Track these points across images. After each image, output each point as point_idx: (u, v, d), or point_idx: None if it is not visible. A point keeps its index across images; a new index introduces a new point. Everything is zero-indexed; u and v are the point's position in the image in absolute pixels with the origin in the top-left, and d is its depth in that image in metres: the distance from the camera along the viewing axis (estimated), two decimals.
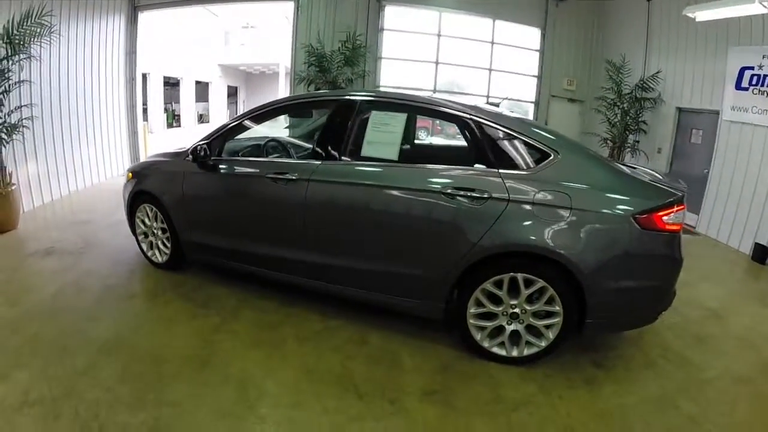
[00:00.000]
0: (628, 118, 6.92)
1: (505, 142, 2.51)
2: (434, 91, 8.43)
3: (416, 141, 3.22)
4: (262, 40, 19.08)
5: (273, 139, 3.63)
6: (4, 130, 4.44)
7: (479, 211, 2.38)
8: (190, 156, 3.19)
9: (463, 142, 2.71)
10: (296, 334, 2.73)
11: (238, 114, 3.30)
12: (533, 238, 2.31)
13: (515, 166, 2.45)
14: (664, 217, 2.30)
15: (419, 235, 2.53)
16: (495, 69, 8.27)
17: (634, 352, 2.80)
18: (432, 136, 6.85)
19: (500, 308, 2.47)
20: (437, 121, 5.59)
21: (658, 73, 6.56)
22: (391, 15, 7.76)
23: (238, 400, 2.11)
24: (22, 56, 4.48)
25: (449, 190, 2.43)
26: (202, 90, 19.15)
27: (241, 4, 7.87)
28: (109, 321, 2.85)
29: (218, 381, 2.25)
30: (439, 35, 7.91)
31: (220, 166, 3.14)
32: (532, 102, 8.55)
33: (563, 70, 8.26)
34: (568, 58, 8.21)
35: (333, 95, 3.46)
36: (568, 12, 8.05)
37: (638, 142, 7.06)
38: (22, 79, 4.70)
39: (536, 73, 8.36)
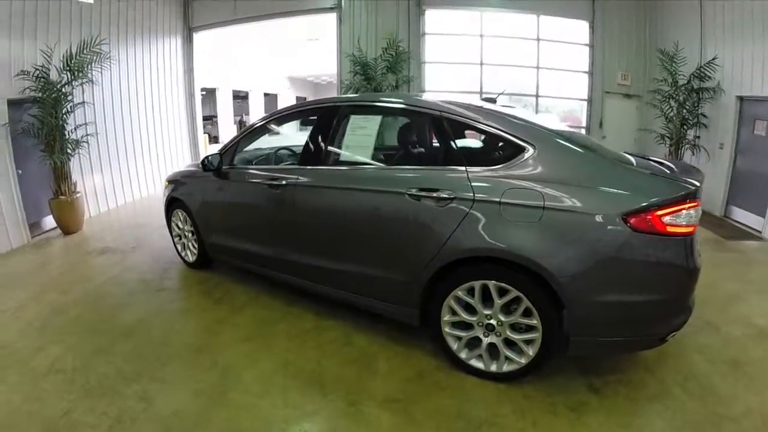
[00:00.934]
0: (684, 111, 6.38)
1: (475, 138, 2.45)
2: (480, 93, 8.42)
3: (418, 142, 3.10)
4: (327, 51, 20.22)
5: (283, 148, 3.91)
6: (69, 145, 5.25)
7: (444, 212, 2.27)
8: (201, 166, 3.57)
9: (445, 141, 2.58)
10: (288, 331, 2.94)
11: (245, 127, 3.66)
12: (498, 241, 2.14)
13: (484, 163, 2.32)
14: (665, 218, 1.96)
15: (390, 238, 2.51)
16: (542, 67, 8.04)
17: (646, 378, 2.42)
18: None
19: (475, 318, 2.34)
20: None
21: (714, 59, 5.99)
22: (432, 19, 7.82)
23: (216, 385, 2.36)
24: (81, 81, 5.28)
25: (413, 191, 2.36)
26: (270, 101, 20.66)
27: (295, 18, 8.49)
28: (136, 309, 3.30)
29: (206, 366, 2.53)
30: (481, 36, 7.88)
31: (229, 175, 3.46)
32: (584, 100, 8.13)
33: (616, 64, 7.78)
34: (620, 50, 7.72)
35: (312, 104, 3.51)
36: (618, 2, 7.59)
37: (698, 137, 6.46)
38: (83, 100, 5.55)
39: (587, 69, 7.97)
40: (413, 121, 2.95)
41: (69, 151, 5.25)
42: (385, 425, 2.08)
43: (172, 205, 4.14)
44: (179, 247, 4.25)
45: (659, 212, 1.96)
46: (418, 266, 2.39)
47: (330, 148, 2.87)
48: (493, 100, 2.99)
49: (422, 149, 2.89)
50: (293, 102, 22.44)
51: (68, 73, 5.11)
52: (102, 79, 6.04)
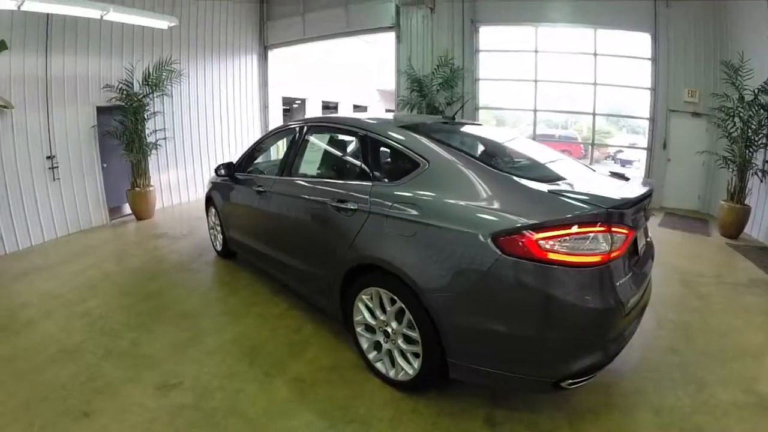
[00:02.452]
0: (749, 131, 5.83)
1: (381, 154, 2.68)
2: (534, 110, 8.52)
3: (345, 157, 3.37)
4: None
5: (278, 160, 4.61)
6: (146, 146, 6.57)
7: (350, 222, 2.55)
8: (215, 172, 4.39)
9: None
10: (260, 313, 3.54)
11: (256, 141, 4.49)
12: (381, 252, 2.31)
13: (389, 178, 2.53)
14: (545, 242, 1.79)
15: (319, 241, 2.87)
16: (600, 83, 7.90)
17: (560, 426, 2.22)
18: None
19: (375, 323, 2.53)
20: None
21: None
22: (487, 35, 8.05)
23: (185, 341, 3.05)
24: (158, 94, 6.62)
25: (334, 203, 2.70)
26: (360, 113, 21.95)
27: (356, 37, 9.42)
28: (161, 281, 4.22)
29: (186, 328, 3.26)
30: (536, 51, 8.00)
31: (238, 180, 4.18)
32: (647, 119, 7.76)
33: (682, 79, 7.30)
34: (686, 64, 7.23)
35: (289, 124, 3.90)
36: (683, 11, 7.10)
37: (767, 162, 5.85)
38: (161, 110, 6.94)
39: (650, 85, 7.59)
40: (346, 138, 3.29)
41: (146, 151, 6.66)
42: (279, 397, 2.47)
43: (208, 202, 5.15)
44: (212, 238, 5.21)
45: (537, 236, 1.80)
46: (335, 268, 2.71)
47: (293, 161, 3.44)
48: (452, 118, 3.27)
49: (353, 163, 3.15)
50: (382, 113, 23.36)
51: (147, 87, 6.47)
52: (179, 91, 7.48)
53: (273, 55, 10.01)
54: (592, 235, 1.81)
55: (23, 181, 5.43)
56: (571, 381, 1.93)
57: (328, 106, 21.07)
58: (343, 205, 2.67)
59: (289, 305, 3.74)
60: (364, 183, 2.64)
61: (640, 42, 7.56)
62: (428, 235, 2.14)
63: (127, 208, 6.88)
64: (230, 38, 8.85)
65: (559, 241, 1.79)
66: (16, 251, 5.31)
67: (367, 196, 2.54)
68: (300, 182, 3.26)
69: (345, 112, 20.95)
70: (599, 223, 1.82)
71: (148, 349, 3.01)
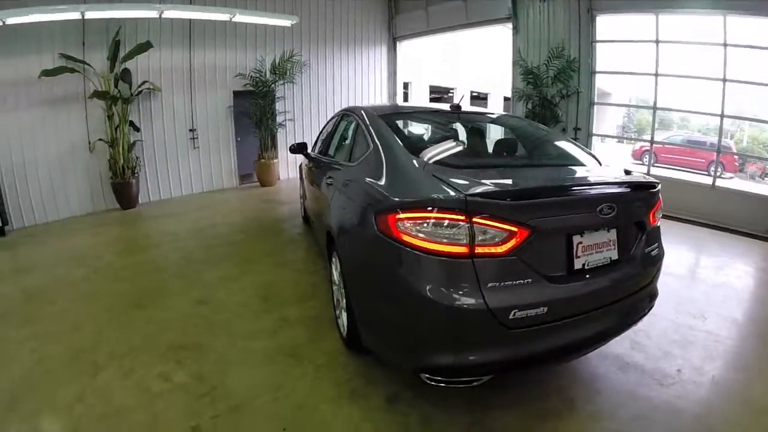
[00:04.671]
0: None
1: (360, 138, 2.90)
2: (654, 108, 7.54)
3: (345, 141, 3.63)
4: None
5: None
6: (273, 125, 8.02)
7: (329, 195, 2.99)
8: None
9: None
10: (298, 268, 4.22)
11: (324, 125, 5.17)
12: (329, 220, 2.75)
13: (352, 159, 2.87)
14: (401, 223, 1.82)
15: (324, 206, 3.13)
16: (730, 79, 6.49)
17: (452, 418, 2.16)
18: None
19: (338, 283, 2.76)
20: None
21: None
22: (604, 25, 7.43)
23: (233, 278, 3.90)
24: (284, 81, 7.99)
25: (327, 179, 3.19)
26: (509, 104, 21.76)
27: (474, 29, 9.59)
28: (244, 235, 5.29)
29: (241, 268, 4.15)
30: (657, 42, 7.02)
31: (309, 157, 4.83)
32: None
33: None
34: None
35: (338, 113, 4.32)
36: None
37: None
38: (285, 96, 8.40)
39: None
40: (351, 126, 3.47)
41: (272, 129, 8.14)
42: (261, 326, 3.07)
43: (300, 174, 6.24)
44: (300, 205, 6.33)
45: (397, 216, 1.85)
46: (321, 233, 3.30)
47: (327, 142, 4.08)
48: (457, 107, 3.27)
49: (348, 146, 3.34)
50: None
51: (274, 75, 7.89)
52: (305, 80, 8.89)
53: (407, 46, 10.82)
54: (446, 222, 1.74)
55: (169, 148, 7.32)
56: (428, 376, 1.88)
57: (477, 97, 21.19)
58: (329, 181, 3.17)
59: (325, 266, 4.30)
60: (345, 162, 3.05)
61: None
62: (349, 209, 2.44)
63: (255, 176, 8.52)
64: (357, 31, 9.90)
65: (415, 224, 1.78)
66: (158, 200, 7.25)
67: (340, 174, 2.95)
68: (323, 160, 3.90)
69: (495, 102, 20.85)
70: (455, 211, 1.73)
71: (205, 277, 4.02)
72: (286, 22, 7.60)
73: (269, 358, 2.70)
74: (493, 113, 3.66)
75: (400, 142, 2.50)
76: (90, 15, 5.62)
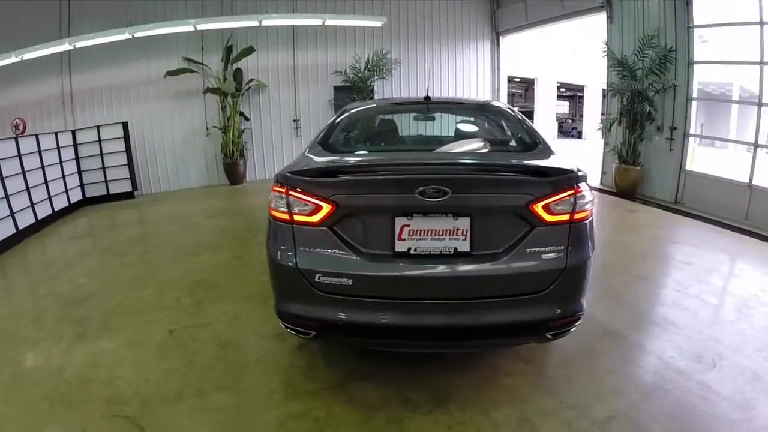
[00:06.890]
0: None
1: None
2: (759, 104, 6.34)
3: None
4: None
5: None
6: None
7: None
8: None
9: None
10: None
11: None
12: None
13: None
14: (272, 193, 2.18)
15: None
16: None
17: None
18: None
19: None
20: None
21: None
22: (703, 6, 6.38)
23: (252, 252, 5.08)
24: (377, 77, 8.84)
25: None
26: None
27: (569, 21, 9.22)
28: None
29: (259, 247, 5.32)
30: (761, 24, 5.81)
31: None
32: None
33: None
34: None
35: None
36: None
37: None
38: (378, 91, 9.20)
39: None
40: None
41: None
42: (248, 292, 4.07)
43: None
44: None
45: (273, 186, 2.18)
46: None
47: None
48: (426, 98, 3.28)
49: None
50: None
51: (367, 72, 8.78)
52: (404, 74, 9.67)
53: (506, 42, 10.83)
54: (277, 193, 2.11)
55: (274, 135, 8.75)
56: (283, 323, 2.24)
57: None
58: None
59: None
60: None
61: None
62: None
63: None
64: (457, 28, 10.22)
65: (274, 195, 2.14)
66: (264, 179, 8.72)
67: None
68: None
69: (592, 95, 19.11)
70: (280, 184, 2.10)
71: (257, 240, 5.05)
72: (376, 23, 8.38)
73: (250, 299, 3.53)
74: (464, 102, 4.21)
75: (328, 130, 2.81)
76: (201, 27, 7.08)
